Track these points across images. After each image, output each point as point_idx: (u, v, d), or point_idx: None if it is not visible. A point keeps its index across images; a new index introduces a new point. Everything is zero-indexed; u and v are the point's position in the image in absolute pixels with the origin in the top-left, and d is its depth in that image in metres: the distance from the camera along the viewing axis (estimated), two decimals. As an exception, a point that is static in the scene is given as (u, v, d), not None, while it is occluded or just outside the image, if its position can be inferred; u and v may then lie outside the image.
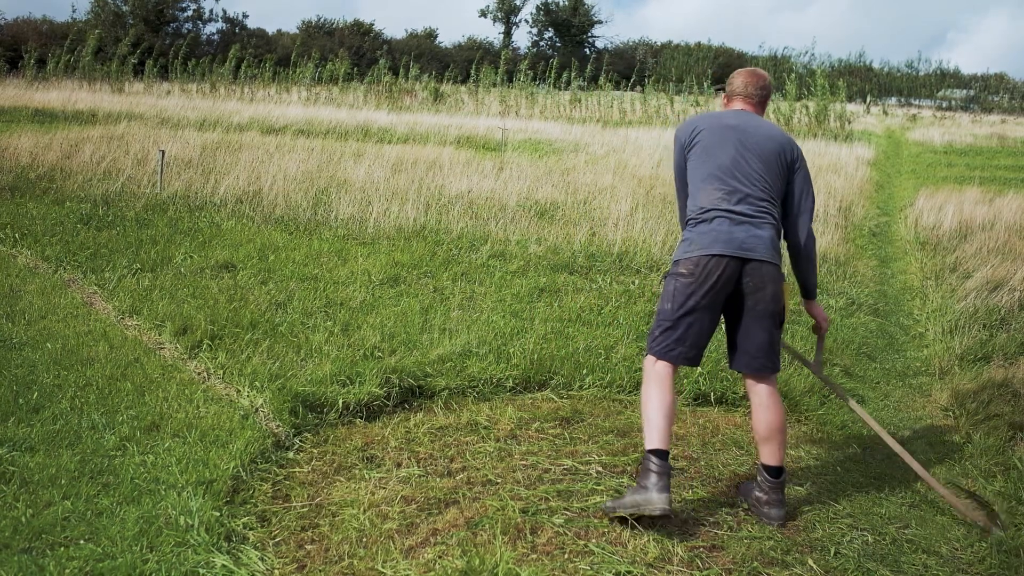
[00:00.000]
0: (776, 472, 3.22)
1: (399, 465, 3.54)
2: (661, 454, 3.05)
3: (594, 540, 2.97)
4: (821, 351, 3.76)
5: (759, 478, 3.26)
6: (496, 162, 12.78)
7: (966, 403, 4.59)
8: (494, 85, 35.79)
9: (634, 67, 48.72)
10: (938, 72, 60.72)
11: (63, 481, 3.11)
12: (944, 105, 52.33)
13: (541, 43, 74.37)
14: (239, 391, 4.08)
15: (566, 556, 2.88)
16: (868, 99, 47.97)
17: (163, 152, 9.77)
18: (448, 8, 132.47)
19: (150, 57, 36.17)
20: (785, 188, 3.30)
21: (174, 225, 7.74)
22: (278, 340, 4.76)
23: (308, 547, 2.90)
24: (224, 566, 2.71)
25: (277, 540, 2.93)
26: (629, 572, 2.80)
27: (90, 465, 3.25)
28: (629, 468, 3.55)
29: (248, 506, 3.12)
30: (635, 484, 3.09)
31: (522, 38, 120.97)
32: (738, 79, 3.50)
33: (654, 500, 2.97)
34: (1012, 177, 15.94)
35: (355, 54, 54.91)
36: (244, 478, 3.28)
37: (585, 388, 4.53)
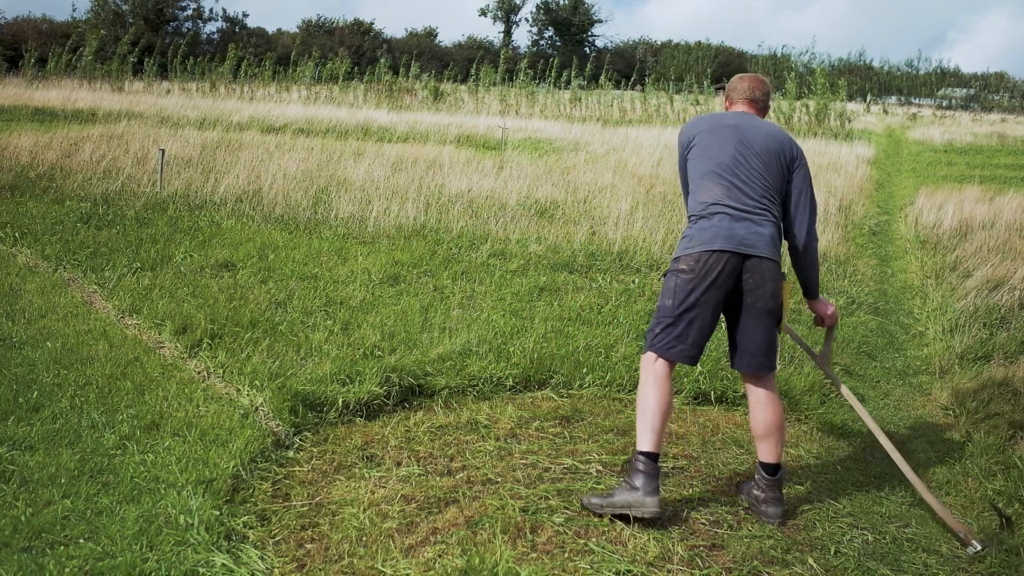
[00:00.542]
0: (773, 470, 3.22)
1: (399, 464, 3.53)
2: (653, 456, 3.06)
3: (594, 539, 2.97)
4: (830, 345, 3.73)
5: (756, 476, 3.26)
6: (496, 161, 12.78)
7: (966, 402, 4.59)
8: (494, 84, 35.79)
9: (634, 66, 48.73)
10: (938, 71, 60.73)
11: (63, 480, 3.11)
12: (944, 104, 52.34)
13: (541, 42, 74.38)
14: (239, 390, 4.08)
15: (566, 555, 2.87)
16: (868, 98, 47.98)
17: (163, 151, 9.76)
18: (448, 7, 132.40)
19: (150, 56, 36.16)
20: (785, 187, 3.31)
21: (174, 224, 7.74)
22: (278, 339, 4.76)
23: (308, 546, 2.90)
24: (224, 565, 2.70)
25: (277, 539, 2.93)
26: (629, 571, 2.80)
27: (90, 464, 3.25)
28: (625, 463, 3.55)
29: (248, 505, 3.12)
30: (623, 483, 3.09)
31: (522, 37, 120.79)
32: (744, 83, 3.50)
33: (647, 503, 3.00)
34: (1012, 176, 15.93)
35: (355, 53, 54.90)
36: (244, 477, 3.28)
37: (585, 387, 4.53)
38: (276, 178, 9.67)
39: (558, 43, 72.60)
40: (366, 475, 3.42)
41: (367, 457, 3.59)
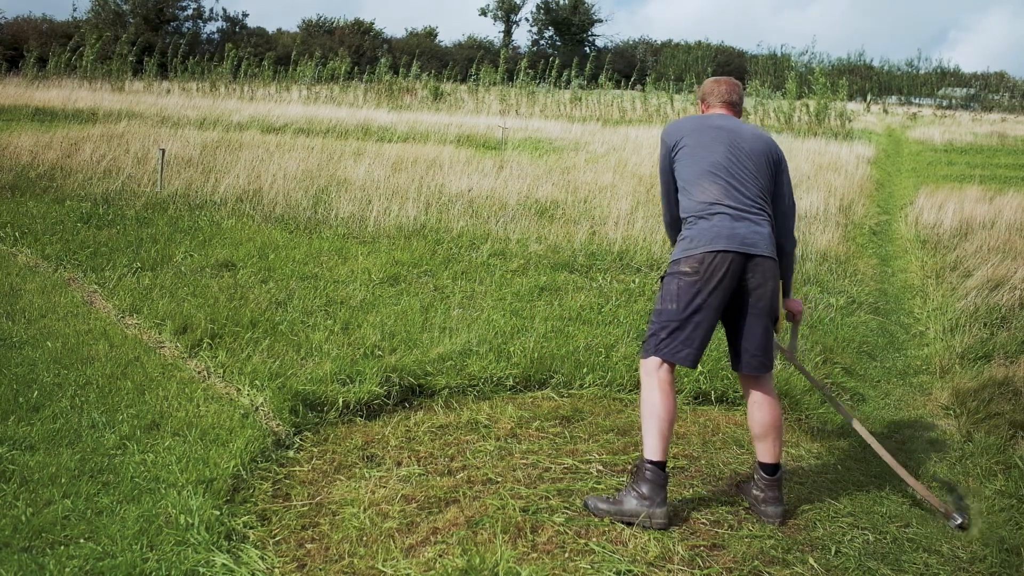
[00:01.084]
0: (772, 470, 3.22)
1: (399, 464, 3.53)
2: (661, 465, 3.07)
3: (595, 539, 2.97)
4: (796, 337, 3.83)
5: (756, 476, 3.26)
6: (496, 161, 12.77)
7: (967, 402, 4.59)
8: (494, 84, 35.78)
9: (634, 66, 48.73)
10: (938, 71, 60.70)
11: (63, 480, 3.11)
12: (944, 104, 52.32)
13: (541, 42, 74.37)
14: (239, 390, 4.08)
15: (567, 555, 2.87)
16: (868, 98, 47.98)
17: (163, 151, 9.76)
18: (448, 7, 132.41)
19: (150, 56, 36.15)
20: (772, 188, 3.31)
21: (174, 224, 7.74)
22: (278, 339, 4.76)
23: (308, 546, 2.90)
24: (224, 565, 2.70)
25: (277, 539, 2.93)
26: (630, 571, 2.80)
27: (90, 464, 3.25)
28: (630, 466, 3.55)
29: (248, 505, 3.12)
30: (632, 490, 3.09)
31: (522, 37, 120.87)
32: (721, 87, 3.48)
33: (656, 515, 3.04)
34: (1012, 176, 15.93)
35: (355, 53, 54.90)
36: (244, 477, 3.28)
37: (585, 387, 4.53)
38: (276, 178, 9.67)
39: (558, 43, 72.60)
40: (366, 475, 3.42)
41: (367, 457, 3.59)
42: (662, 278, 3.22)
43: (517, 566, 2.75)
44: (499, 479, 3.41)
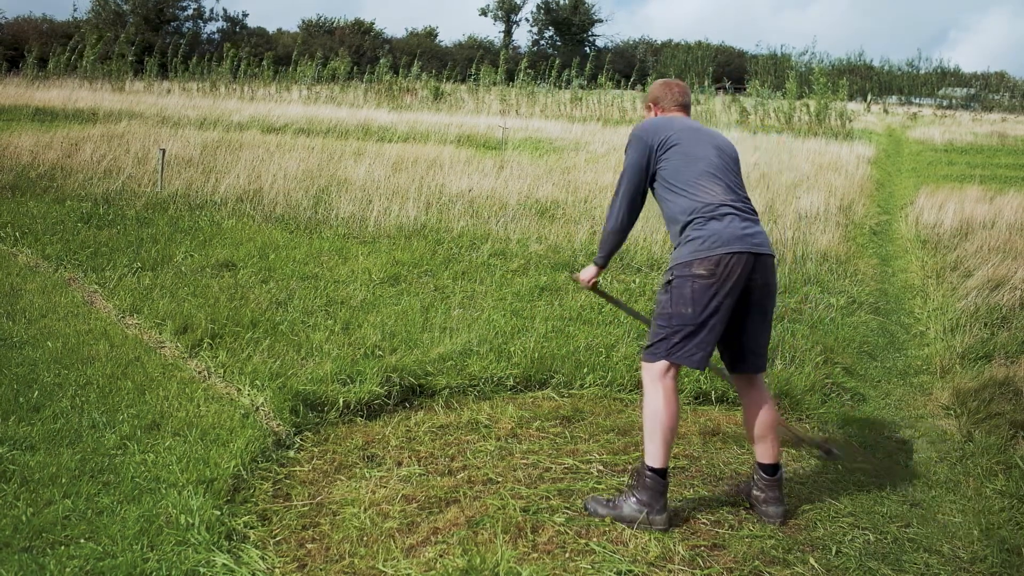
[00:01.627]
0: (773, 470, 3.22)
1: (400, 464, 3.53)
2: (663, 472, 3.07)
3: (595, 539, 2.97)
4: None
5: (755, 477, 3.25)
6: (497, 161, 12.77)
7: (967, 402, 4.58)
8: (494, 84, 35.78)
9: (634, 66, 48.70)
10: (939, 71, 60.70)
11: (64, 480, 3.11)
12: (945, 103, 52.31)
13: (541, 42, 74.38)
14: (240, 390, 4.08)
15: (567, 555, 2.87)
16: (868, 98, 47.97)
17: (163, 151, 9.76)
18: (449, 7, 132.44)
19: (150, 56, 36.17)
20: None
21: (174, 224, 7.74)
22: (279, 339, 4.76)
23: (309, 546, 2.90)
24: (225, 565, 2.70)
25: (278, 539, 2.93)
26: (630, 571, 2.80)
27: (91, 464, 3.25)
28: (630, 466, 3.55)
29: (249, 505, 3.12)
30: (632, 495, 3.09)
31: (522, 37, 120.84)
32: (675, 90, 3.45)
33: (655, 522, 3.04)
34: (1013, 175, 15.92)
35: (355, 53, 54.92)
36: (245, 477, 3.28)
37: (586, 387, 4.52)
38: (277, 178, 9.67)
39: (558, 43, 72.61)
40: (367, 475, 3.42)
41: (368, 457, 3.59)
42: (669, 281, 3.09)
43: (518, 566, 2.75)
44: (500, 479, 3.41)
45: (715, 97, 35.11)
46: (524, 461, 3.59)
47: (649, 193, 3.35)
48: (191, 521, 2.87)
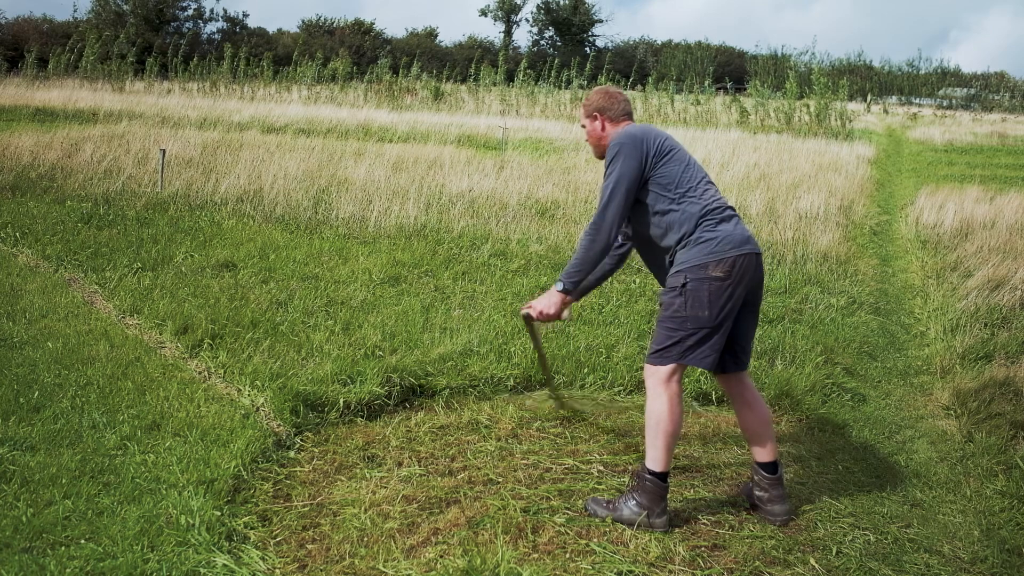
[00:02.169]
0: (773, 468, 3.22)
1: (400, 464, 3.53)
2: (664, 476, 3.09)
3: (596, 539, 2.97)
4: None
5: (756, 477, 3.25)
6: (497, 161, 12.77)
7: (968, 402, 4.58)
8: (494, 84, 35.78)
9: (633, 66, 48.69)
10: (939, 71, 60.70)
11: (64, 480, 3.11)
12: (945, 104, 52.30)
13: (542, 42, 74.38)
14: (240, 390, 4.08)
15: (568, 555, 2.87)
16: (869, 98, 47.96)
17: (164, 151, 9.76)
18: (449, 8, 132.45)
19: (151, 56, 36.19)
20: None
21: (175, 224, 7.74)
22: (279, 339, 4.76)
23: (309, 546, 2.90)
24: (225, 566, 2.70)
25: (278, 539, 2.93)
26: (631, 571, 2.80)
27: (91, 464, 3.25)
28: (631, 467, 3.55)
29: (249, 505, 3.12)
30: (632, 498, 3.09)
31: (522, 37, 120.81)
32: (620, 98, 3.33)
33: (656, 524, 3.05)
34: (1013, 176, 15.92)
35: (356, 53, 54.93)
36: (245, 477, 3.28)
37: (586, 387, 4.52)
38: (277, 178, 9.67)
39: (558, 43, 72.62)
40: (367, 475, 3.42)
41: (368, 457, 3.59)
42: (684, 284, 3.04)
43: (518, 566, 2.75)
44: (500, 479, 3.41)
45: (715, 97, 35.10)
46: (524, 461, 3.59)
47: None
48: (191, 522, 2.87)
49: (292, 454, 3.58)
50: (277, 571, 2.74)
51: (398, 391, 4.21)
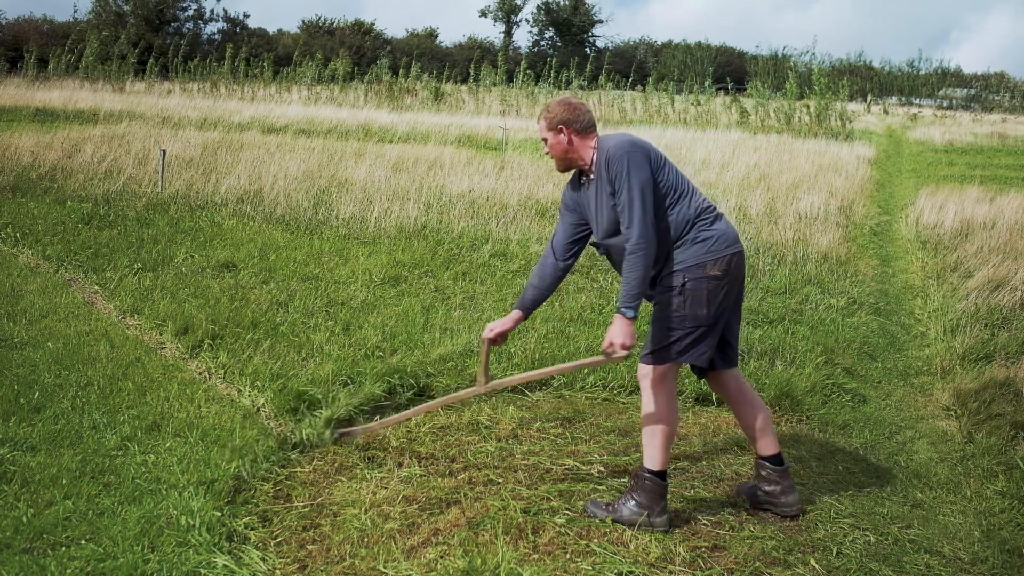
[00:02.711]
0: (780, 459, 3.24)
1: (400, 465, 3.53)
2: (663, 474, 3.10)
3: (596, 540, 2.97)
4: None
5: (764, 472, 3.25)
6: (497, 161, 12.77)
7: (968, 403, 4.58)
8: (495, 84, 35.78)
9: (632, 66, 48.69)
10: (939, 71, 60.69)
11: (64, 481, 3.11)
12: (945, 104, 52.28)
13: (542, 42, 74.39)
14: (240, 391, 4.08)
15: (568, 556, 2.87)
16: (869, 98, 47.95)
17: (164, 152, 9.77)
18: (449, 8, 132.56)
19: (151, 56, 36.19)
20: None
21: (175, 224, 7.74)
22: (279, 340, 4.76)
23: (310, 547, 2.90)
24: (226, 566, 2.70)
25: (279, 540, 2.93)
26: (631, 572, 2.80)
27: (91, 465, 3.25)
28: (631, 467, 3.55)
29: (249, 506, 3.12)
30: (631, 498, 3.09)
31: (522, 38, 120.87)
32: (583, 109, 3.22)
33: (657, 523, 3.06)
34: (1013, 176, 15.91)
35: (356, 53, 54.96)
36: (245, 478, 3.28)
37: (586, 388, 4.52)
38: (277, 179, 9.68)
39: (558, 43, 72.63)
40: (367, 476, 3.42)
41: (368, 458, 3.59)
42: (683, 284, 3.05)
43: (518, 567, 2.75)
44: (500, 480, 3.41)
45: (715, 98, 35.10)
46: (525, 462, 3.59)
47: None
48: (192, 522, 2.87)
49: (292, 455, 3.58)
50: (277, 571, 2.74)
51: (398, 391, 4.20)
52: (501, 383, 3.46)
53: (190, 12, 61.23)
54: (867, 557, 3.00)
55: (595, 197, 3.17)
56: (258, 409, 3.89)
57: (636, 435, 3.88)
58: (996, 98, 54.05)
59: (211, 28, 62.99)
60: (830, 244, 8.20)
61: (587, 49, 70.54)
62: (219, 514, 2.96)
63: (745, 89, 40.34)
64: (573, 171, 3.32)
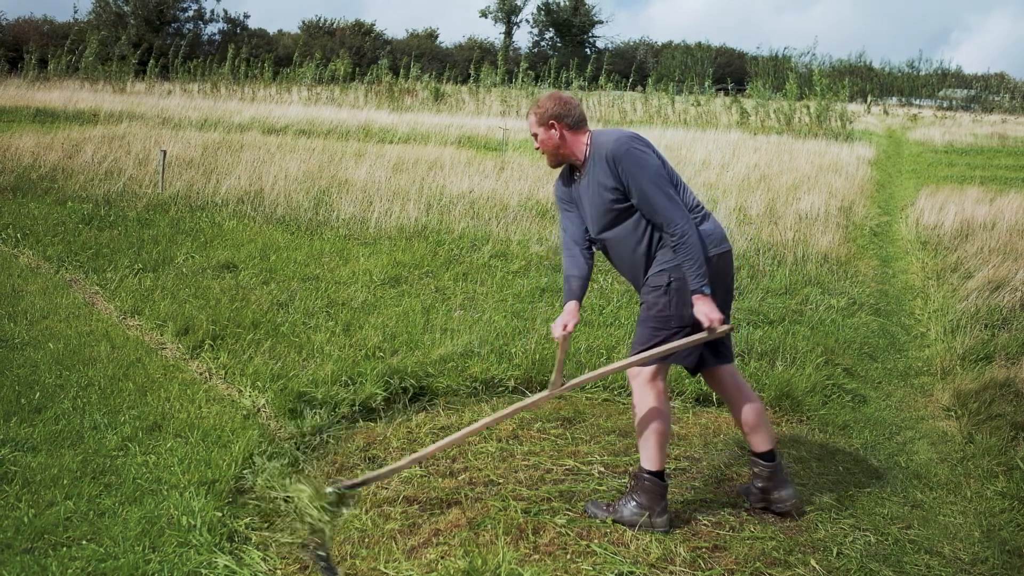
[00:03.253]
0: (772, 456, 3.24)
1: (401, 465, 3.53)
2: (661, 475, 3.10)
3: (596, 540, 2.97)
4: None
5: (756, 469, 3.25)
6: (497, 162, 12.77)
7: (968, 403, 4.58)
8: (495, 85, 35.77)
9: (632, 66, 48.68)
10: (939, 72, 60.68)
11: (65, 481, 3.12)
12: (945, 105, 52.26)
13: (542, 43, 74.38)
14: (241, 391, 4.08)
15: (568, 556, 2.88)
16: (869, 99, 47.94)
17: (164, 152, 9.77)
18: (449, 9, 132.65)
19: (151, 57, 36.18)
20: None
21: (176, 225, 7.74)
22: (280, 340, 4.76)
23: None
24: (226, 566, 2.71)
25: (280, 540, 2.93)
26: (632, 572, 2.80)
27: (92, 465, 3.25)
28: (631, 468, 3.55)
29: (251, 507, 3.12)
30: (632, 499, 3.09)
31: (523, 38, 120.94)
32: (574, 103, 3.18)
33: (657, 524, 3.06)
34: (1013, 177, 15.91)
35: (356, 54, 54.96)
36: (246, 478, 3.28)
37: (587, 388, 4.52)
38: (277, 179, 9.68)
39: (558, 44, 72.62)
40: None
41: (369, 458, 3.60)
42: (668, 283, 3.05)
43: (519, 567, 2.75)
44: (501, 480, 3.41)
45: (715, 98, 35.10)
46: (525, 463, 3.60)
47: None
48: (193, 522, 2.88)
49: (294, 455, 3.57)
50: (278, 572, 2.74)
51: (399, 392, 4.21)
52: (576, 382, 3.25)
53: (190, 13, 61.23)
54: (867, 557, 3.01)
55: (587, 192, 3.15)
56: (259, 409, 3.90)
57: (635, 436, 3.88)
58: (996, 99, 54.02)
59: (211, 29, 62.98)
60: (830, 245, 8.20)
61: (587, 50, 70.51)
62: (220, 514, 2.96)
63: (745, 90, 40.33)
64: (564, 166, 3.29)
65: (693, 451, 3.84)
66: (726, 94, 37.59)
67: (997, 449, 4.03)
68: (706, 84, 41.48)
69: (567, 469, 3.55)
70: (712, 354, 3.21)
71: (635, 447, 3.74)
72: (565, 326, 3.15)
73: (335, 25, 68.15)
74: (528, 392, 4.45)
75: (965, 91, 57.00)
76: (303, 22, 69.52)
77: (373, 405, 4.08)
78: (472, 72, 38.62)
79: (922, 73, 60.62)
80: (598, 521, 3.10)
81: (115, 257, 6.44)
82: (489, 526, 3.03)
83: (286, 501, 2.92)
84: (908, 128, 28.59)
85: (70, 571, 2.61)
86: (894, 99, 55.71)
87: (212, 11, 76.68)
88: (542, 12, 73.97)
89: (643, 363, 3.04)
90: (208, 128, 16.96)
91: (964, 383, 4.90)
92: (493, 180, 10.68)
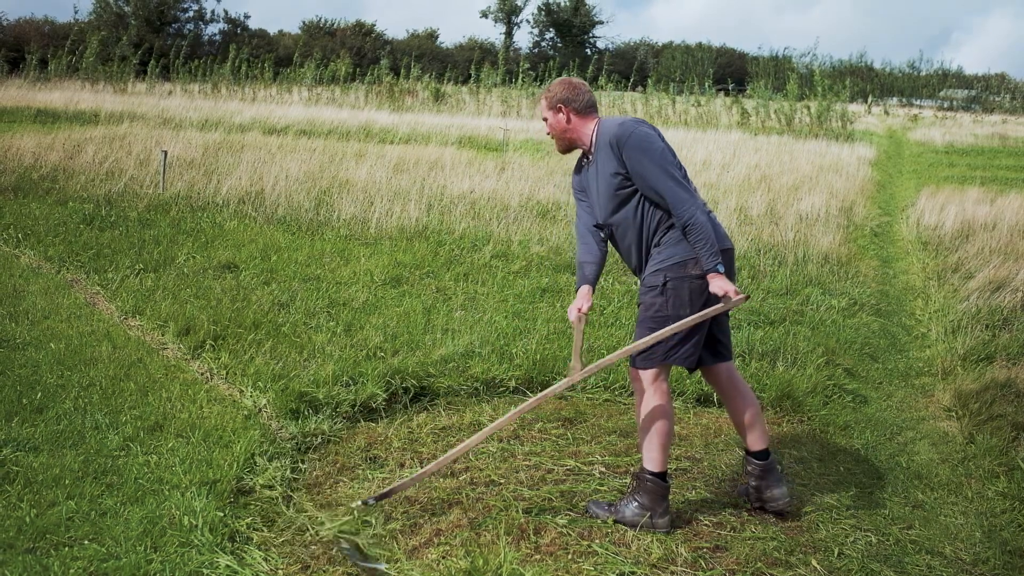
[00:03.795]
0: (765, 455, 3.24)
1: (402, 465, 3.54)
2: (664, 475, 3.10)
3: (598, 540, 2.98)
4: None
5: (749, 467, 3.25)
6: (498, 162, 12.78)
7: (969, 404, 4.59)
8: (495, 85, 35.76)
9: (633, 66, 48.69)
10: (940, 72, 60.66)
11: (67, 481, 3.12)
12: (946, 105, 52.22)
13: (542, 43, 74.38)
14: (242, 391, 4.09)
15: (570, 556, 2.88)
16: (869, 99, 47.92)
17: (165, 152, 9.78)
18: (450, 9, 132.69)
19: (152, 58, 36.17)
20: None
21: (177, 225, 7.75)
22: (281, 340, 4.76)
23: (312, 547, 2.90)
24: (228, 566, 2.71)
25: (281, 540, 2.93)
26: (633, 572, 2.80)
27: (94, 465, 3.26)
28: (632, 468, 3.55)
29: (252, 507, 3.12)
30: (633, 500, 3.10)
31: (523, 39, 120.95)
32: (583, 89, 3.17)
33: (659, 524, 3.06)
34: (1014, 177, 15.91)
35: (356, 54, 54.97)
36: (247, 478, 3.28)
37: (587, 389, 4.53)
38: (278, 179, 9.68)
39: (559, 44, 72.61)
40: (369, 476, 3.42)
41: (370, 458, 3.60)
42: (664, 283, 3.05)
43: (520, 567, 2.75)
44: (502, 481, 3.41)
45: (716, 99, 35.09)
46: (526, 463, 3.60)
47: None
48: (194, 522, 2.88)
49: (295, 455, 3.58)
50: (280, 572, 2.75)
51: (400, 392, 4.21)
52: (596, 366, 3.19)
53: (191, 13, 61.21)
54: (868, 558, 3.01)
55: (595, 177, 3.15)
56: (260, 410, 3.90)
57: (637, 436, 3.88)
58: (997, 99, 53.98)
59: (212, 29, 62.95)
60: (831, 245, 8.20)
61: (588, 50, 70.49)
62: (222, 514, 2.96)
63: (746, 90, 40.32)
64: (579, 156, 3.29)
65: (694, 451, 3.84)
66: (727, 94, 37.58)
67: (998, 449, 4.03)
68: (707, 84, 41.44)
69: (568, 469, 3.55)
70: (711, 354, 3.22)
71: (636, 447, 3.75)
72: (580, 309, 3.15)
73: (335, 25, 68.13)
74: (529, 393, 4.45)
75: (966, 91, 56.96)
76: (303, 22, 69.53)
77: (374, 405, 4.08)
78: (472, 72, 38.59)
79: (923, 73, 60.60)
80: (599, 521, 3.10)
81: (116, 257, 6.45)
82: (490, 526, 3.04)
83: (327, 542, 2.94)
84: (909, 128, 28.58)
85: (72, 571, 2.61)
86: (895, 99, 55.69)
87: (213, 11, 76.62)
88: (542, 12, 73.95)
89: (663, 338, 3.00)
90: (209, 128, 16.96)
91: (965, 383, 4.90)
92: (494, 180, 10.68)
